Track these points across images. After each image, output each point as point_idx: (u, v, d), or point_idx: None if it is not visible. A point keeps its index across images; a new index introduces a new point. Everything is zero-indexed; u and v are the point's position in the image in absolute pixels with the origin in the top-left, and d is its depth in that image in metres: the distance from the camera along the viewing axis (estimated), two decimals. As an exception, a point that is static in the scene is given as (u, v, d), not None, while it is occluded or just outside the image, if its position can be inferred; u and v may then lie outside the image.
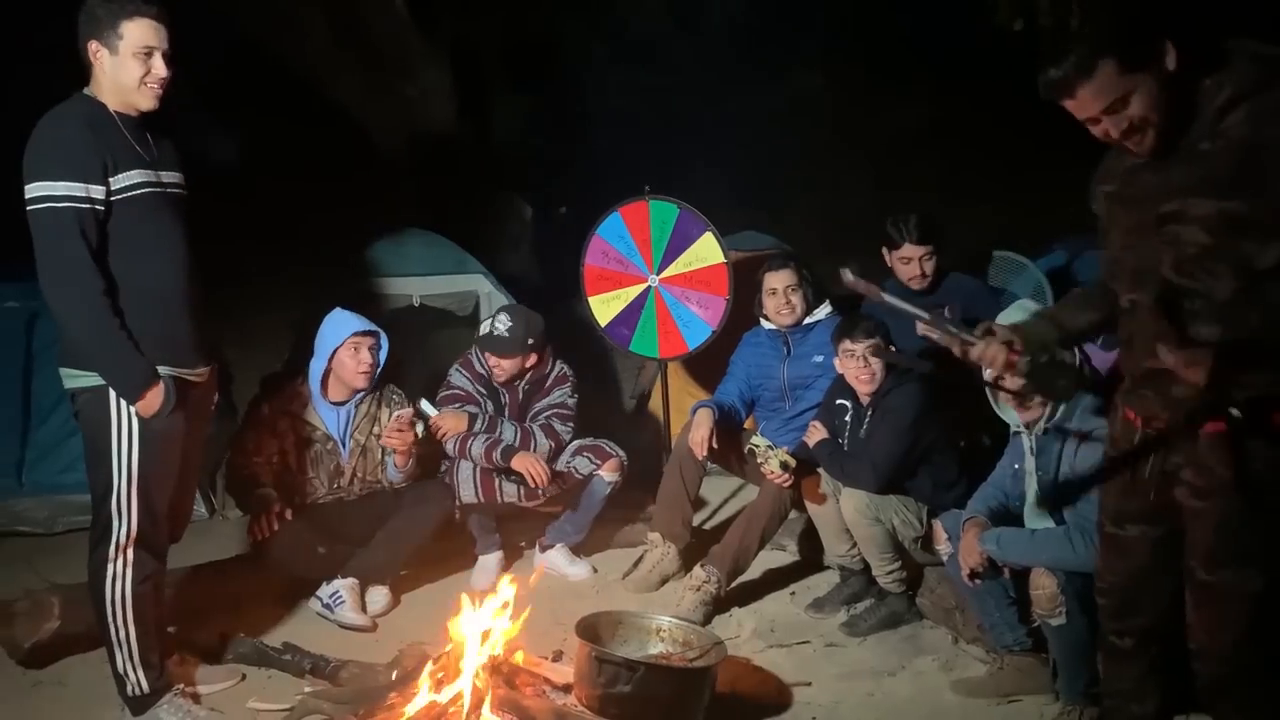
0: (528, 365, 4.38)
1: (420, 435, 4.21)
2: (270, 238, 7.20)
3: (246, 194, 7.68)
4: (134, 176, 2.93)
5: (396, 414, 4.18)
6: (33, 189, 2.84)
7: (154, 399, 2.98)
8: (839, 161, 9.97)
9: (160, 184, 3.01)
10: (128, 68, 2.92)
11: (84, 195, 2.84)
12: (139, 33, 2.92)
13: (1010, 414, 3.19)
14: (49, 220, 2.83)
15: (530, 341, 4.32)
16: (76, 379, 3.00)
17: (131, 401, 2.96)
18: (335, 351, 4.11)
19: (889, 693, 3.45)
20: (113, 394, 2.97)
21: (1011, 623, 3.34)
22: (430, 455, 4.36)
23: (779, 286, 4.33)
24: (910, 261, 4.29)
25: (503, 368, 4.34)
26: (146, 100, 2.97)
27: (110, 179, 2.88)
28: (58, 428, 4.78)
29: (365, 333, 4.14)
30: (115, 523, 3.01)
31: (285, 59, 7.30)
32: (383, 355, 4.18)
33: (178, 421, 3.06)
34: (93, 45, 2.93)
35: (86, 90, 2.97)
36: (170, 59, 2.96)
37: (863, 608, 3.96)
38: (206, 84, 7.30)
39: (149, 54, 2.93)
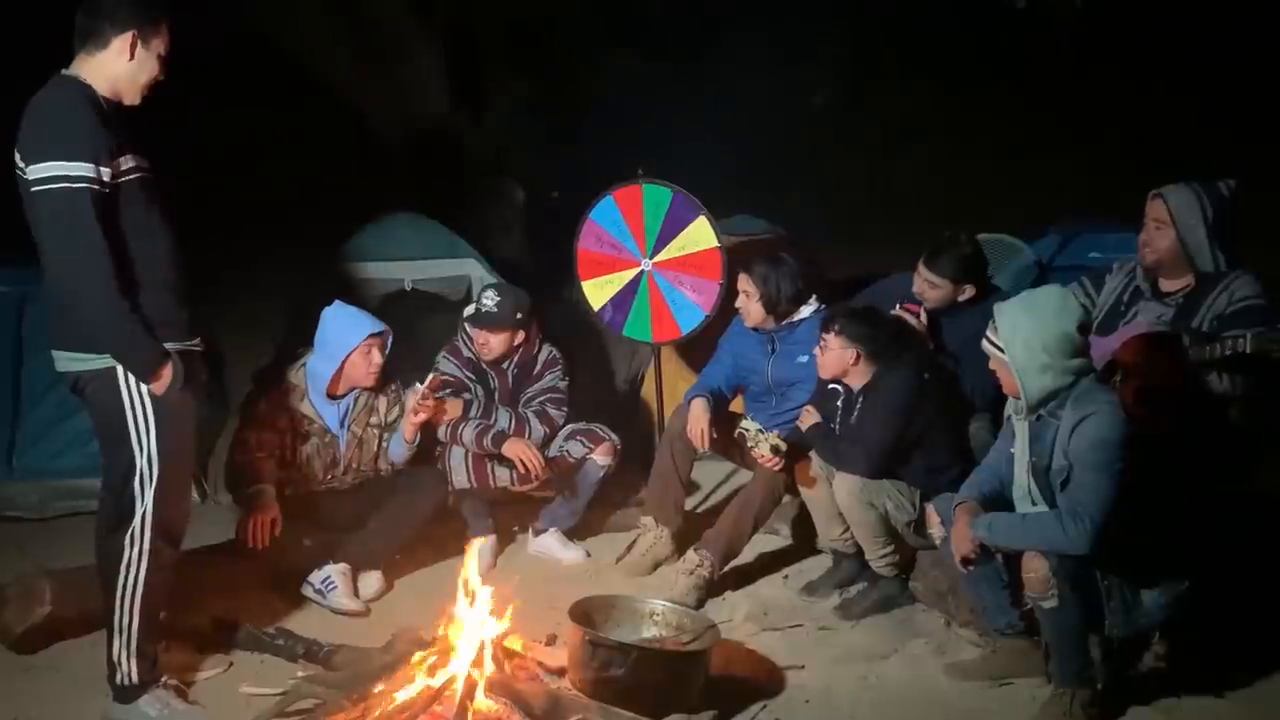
0: (516, 343, 4.34)
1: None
2: (261, 222, 7.18)
3: (238, 178, 7.66)
4: (129, 161, 2.92)
5: (420, 390, 4.10)
6: (44, 169, 2.77)
7: (166, 376, 2.95)
8: (837, 145, 9.95)
9: (148, 169, 2.99)
10: (148, 67, 2.95)
11: (95, 176, 2.80)
12: (168, 36, 2.97)
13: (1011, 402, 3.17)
14: (64, 201, 2.77)
15: (519, 316, 4.29)
16: (81, 362, 2.96)
17: (146, 381, 2.93)
18: (348, 354, 4.04)
19: (882, 676, 3.46)
20: (121, 376, 2.93)
21: (1004, 606, 3.34)
22: (425, 441, 4.31)
23: (739, 289, 4.28)
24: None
25: (491, 345, 4.29)
26: (138, 97, 2.98)
27: (116, 161, 2.87)
28: (49, 412, 4.74)
29: (378, 334, 4.09)
30: (138, 506, 2.98)
31: (279, 42, 7.26)
32: (387, 352, 4.14)
33: (188, 398, 3.04)
34: (131, 36, 2.89)
35: (70, 72, 2.92)
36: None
37: (856, 591, 3.97)
38: (199, 68, 7.27)
39: (164, 58, 2.97)
